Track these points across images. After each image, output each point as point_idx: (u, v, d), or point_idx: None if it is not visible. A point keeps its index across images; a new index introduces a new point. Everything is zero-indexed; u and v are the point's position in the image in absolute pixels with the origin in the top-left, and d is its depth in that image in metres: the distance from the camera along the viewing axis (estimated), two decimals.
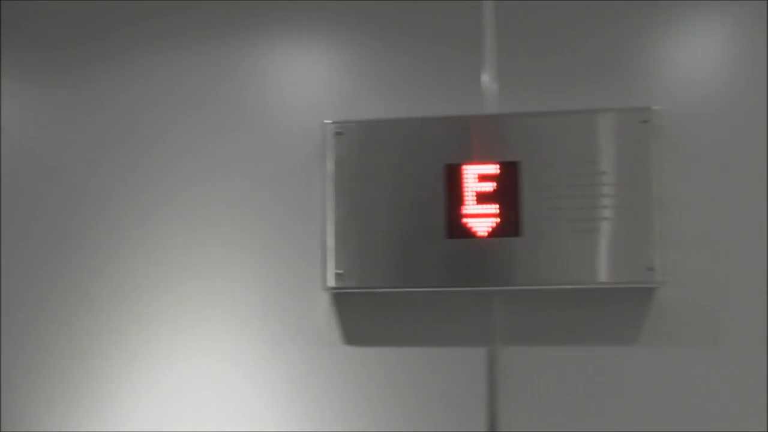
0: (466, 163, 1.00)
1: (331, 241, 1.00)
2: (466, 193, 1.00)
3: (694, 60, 1.05)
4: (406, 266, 0.99)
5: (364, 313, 1.05)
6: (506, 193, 0.99)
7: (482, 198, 0.99)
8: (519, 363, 1.03)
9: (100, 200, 1.11)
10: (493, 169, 0.99)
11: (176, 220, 1.09)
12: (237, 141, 1.09)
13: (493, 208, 0.99)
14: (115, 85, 1.12)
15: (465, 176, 1.00)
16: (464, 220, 0.99)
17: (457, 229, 0.99)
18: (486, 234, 0.99)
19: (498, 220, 0.99)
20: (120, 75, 1.12)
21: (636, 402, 1.00)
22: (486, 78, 1.06)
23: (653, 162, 0.98)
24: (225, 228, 1.08)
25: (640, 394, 1.01)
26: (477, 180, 1.00)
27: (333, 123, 1.02)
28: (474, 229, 0.99)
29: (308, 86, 1.09)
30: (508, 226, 0.99)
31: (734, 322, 1.00)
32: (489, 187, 0.99)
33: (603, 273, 0.98)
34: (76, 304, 1.09)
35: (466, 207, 0.99)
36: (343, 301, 1.05)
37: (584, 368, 1.02)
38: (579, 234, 0.98)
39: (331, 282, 1.00)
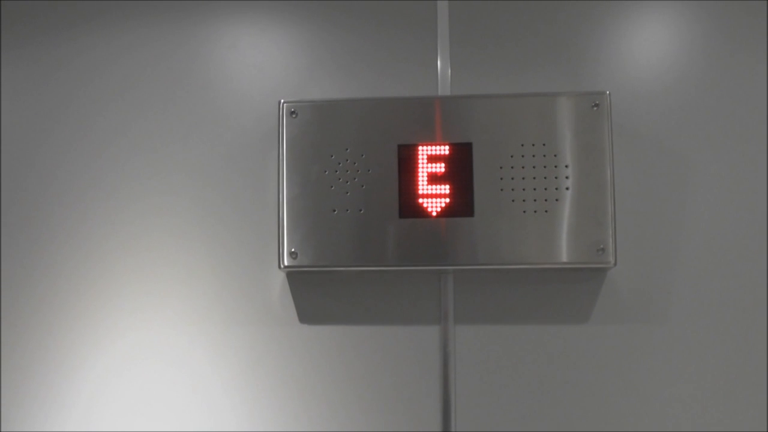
0: (420, 144, 1.01)
1: (284, 221, 1.00)
2: (419, 174, 1.00)
3: (644, 46, 1.07)
4: (360, 245, 1.00)
5: (318, 292, 1.06)
6: (459, 173, 1.00)
7: (435, 178, 1.00)
8: (471, 341, 1.04)
9: (47, 171, 1.10)
10: (446, 149, 1.01)
11: (128, 189, 1.08)
12: (193, 114, 1.09)
13: (446, 188, 1.00)
14: (59, 62, 1.11)
15: (418, 157, 1.01)
16: (418, 200, 1.00)
17: (410, 208, 1.00)
18: (439, 214, 1.00)
19: (451, 200, 1.00)
20: (67, 50, 1.12)
21: (587, 378, 1.02)
22: (440, 61, 1.07)
23: (605, 145, 0.99)
24: (181, 198, 1.08)
25: (591, 371, 1.03)
26: (430, 160, 1.01)
27: (287, 102, 1.02)
28: (428, 209, 1.00)
29: (265, 65, 1.10)
30: (461, 206, 1.00)
31: (680, 302, 1.03)
32: (442, 167, 1.00)
33: (554, 253, 0.99)
34: (25, 275, 1.08)
35: (419, 187, 1.00)
36: (297, 279, 1.06)
37: (535, 346, 1.04)
38: (531, 215, 0.99)
39: (285, 261, 1.00)
